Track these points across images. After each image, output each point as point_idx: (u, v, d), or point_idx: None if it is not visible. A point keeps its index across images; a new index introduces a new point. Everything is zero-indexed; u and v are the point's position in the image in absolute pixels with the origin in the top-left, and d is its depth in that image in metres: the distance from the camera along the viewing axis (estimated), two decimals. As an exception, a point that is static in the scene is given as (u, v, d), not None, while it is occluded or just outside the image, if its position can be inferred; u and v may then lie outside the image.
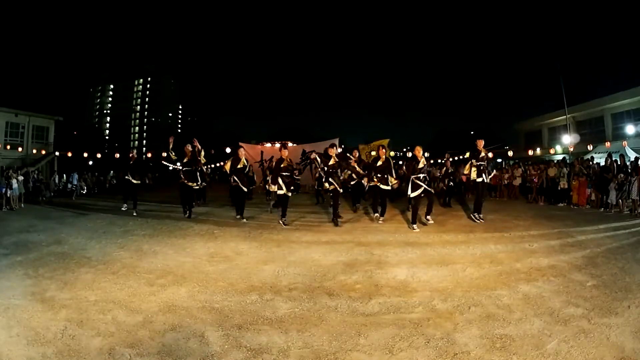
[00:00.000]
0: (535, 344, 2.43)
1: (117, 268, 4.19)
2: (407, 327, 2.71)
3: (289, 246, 5.23)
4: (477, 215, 7.25)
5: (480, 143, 7.50)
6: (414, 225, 6.44)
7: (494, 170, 8.11)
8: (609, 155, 11.10)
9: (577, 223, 6.98)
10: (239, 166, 7.61)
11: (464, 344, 2.44)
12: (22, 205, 10.84)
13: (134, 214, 8.02)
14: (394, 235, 5.94)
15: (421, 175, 6.65)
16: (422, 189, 6.59)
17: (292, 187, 7.17)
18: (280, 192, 6.98)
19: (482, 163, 7.34)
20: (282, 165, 6.98)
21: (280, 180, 6.91)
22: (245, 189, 7.67)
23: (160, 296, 3.33)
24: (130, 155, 9.18)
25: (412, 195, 6.65)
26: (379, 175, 7.23)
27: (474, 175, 7.37)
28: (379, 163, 7.29)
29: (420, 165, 6.67)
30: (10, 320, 2.83)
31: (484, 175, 7.31)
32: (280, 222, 6.84)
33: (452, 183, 9.94)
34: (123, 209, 8.77)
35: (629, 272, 3.88)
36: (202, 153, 8.24)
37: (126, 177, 8.66)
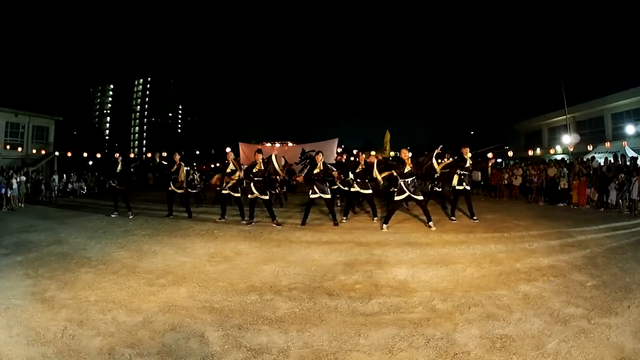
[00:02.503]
0: (535, 344, 2.43)
1: (117, 268, 4.19)
2: (407, 327, 2.71)
3: (289, 246, 5.24)
4: (474, 218, 7.38)
5: (466, 151, 7.59)
6: (384, 225, 6.42)
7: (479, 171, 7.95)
8: (615, 156, 11.12)
9: (577, 223, 6.97)
10: (227, 170, 7.70)
11: (464, 344, 2.44)
12: (22, 205, 10.85)
13: (130, 216, 8.00)
14: (394, 235, 5.94)
15: (409, 180, 6.38)
16: (407, 194, 6.36)
17: (266, 191, 7.09)
18: (250, 195, 7.04)
19: (465, 172, 7.52)
20: (254, 170, 6.98)
21: (252, 185, 6.99)
22: (236, 195, 7.70)
23: (160, 296, 3.33)
24: (133, 156, 9.19)
25: (396, 198, 6.52)
26: (358, 180, 7.40)
27: (455, 182, 7.55)
28: (359, 169, 7.41)
29: (407, 169, 6.41)
30: (10, 320, 2.83)
31: (464, 183, 7.49)
32: (274, 224, 6.87)
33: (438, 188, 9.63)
34: (113, 215, 8.23)
35: (629, 272, 3.88)
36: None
37: (112, 182, 8.60)
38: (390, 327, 2.70)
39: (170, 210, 8.10)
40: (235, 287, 3.56)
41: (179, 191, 8.24)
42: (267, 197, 7.05)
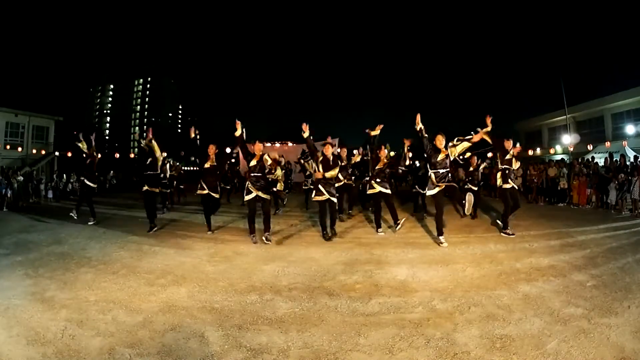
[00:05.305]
0: (535, 344, 2.42)
1: (117, 268, 4.19)
2: (407, 327, 2.70)
3: (289, 246, 5.24)
4: (508, 231, 5.92)
5: (509, 144, 6.33)
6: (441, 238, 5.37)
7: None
8: (610, 156, 11.13)
9: (577, 223, 6.98)
10: (206, 165, 6.17)
11: (464, 344, 2.44)
12: (5, 209, 10.32)
13: (91, 222, 7.24)
14: (394, 235, 5.94)
15: (444, 171, 5.37)
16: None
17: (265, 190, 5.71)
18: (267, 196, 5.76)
19: (508, 167, 6.16)
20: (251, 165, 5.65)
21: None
22: (216, 196, 6.31)
23: (160, 296, 3.33)
24: (132, 156, 8.94)
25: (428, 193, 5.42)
26: (378, 180, 6.77)
27: (499, 181, 6.23)
28: (379, 165, 6.86)
29: (440, 156, 5.41)
30: (10, 320, 2.83)
31: (510, 180, 6.11)
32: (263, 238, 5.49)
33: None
34: (90, 223, 7.23)
35: (629, 272, 3.88)
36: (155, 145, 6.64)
37: (83, 179, 7.59)
38: (390, 327, 2.70)
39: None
40: (235, 287, 3.56)
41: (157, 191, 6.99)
42: (266, 196, 5.88)
